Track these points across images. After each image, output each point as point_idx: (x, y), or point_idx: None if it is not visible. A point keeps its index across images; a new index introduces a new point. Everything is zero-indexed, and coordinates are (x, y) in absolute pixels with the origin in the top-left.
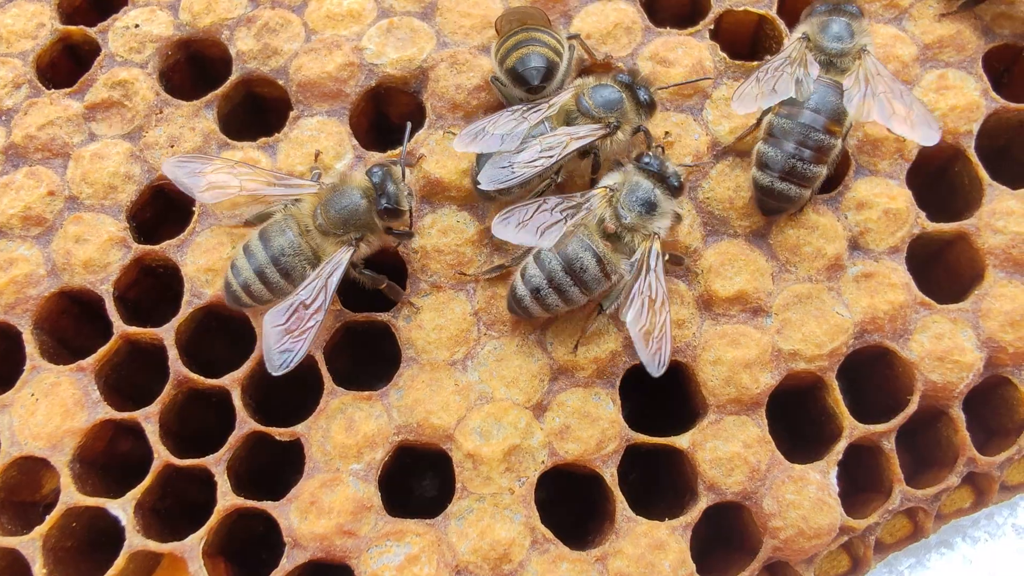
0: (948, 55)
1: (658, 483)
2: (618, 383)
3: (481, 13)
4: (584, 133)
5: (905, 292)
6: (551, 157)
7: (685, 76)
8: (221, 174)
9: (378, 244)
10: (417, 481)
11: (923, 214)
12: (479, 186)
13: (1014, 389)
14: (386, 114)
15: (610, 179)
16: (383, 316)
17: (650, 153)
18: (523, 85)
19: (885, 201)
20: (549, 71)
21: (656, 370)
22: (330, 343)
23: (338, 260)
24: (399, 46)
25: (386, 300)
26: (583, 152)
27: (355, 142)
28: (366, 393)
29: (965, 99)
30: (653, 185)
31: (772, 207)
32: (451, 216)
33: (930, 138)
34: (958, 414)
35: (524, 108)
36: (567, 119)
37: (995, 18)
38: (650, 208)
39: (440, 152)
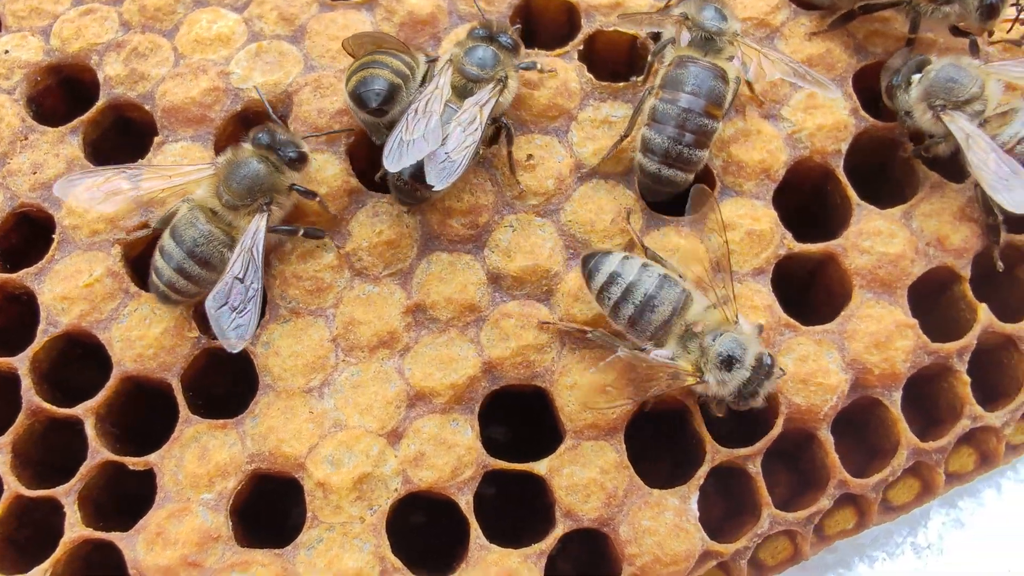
0: (819, 72)
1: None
2: (477, 408)
3: None
4: (486, 96)
5: (768, 314)
6: (476, 130)
7: (550, 98)
8: (115, 181)
9: (289, 204)
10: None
11: (789, 235)
12: (434, 189)
13: (886, 411)
14: None
15: (746, 324)
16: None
17: (773, 360)
18: (362, 108)
19: (749, 222)
20: (390, 95)
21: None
22: (188, 370)
23: (256, 228)
24: (266, 70)
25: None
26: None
27: None
28: (221, 421)
29: (834, 118)
30: (749, 374)
31: (657, 192)
32: (312, 241)
33: (833, 92)
34: (826, 436)
35: (418, 106)
36: (462, 93)
37: (868, 36)
38: (726, 367)
39: (303, 180)
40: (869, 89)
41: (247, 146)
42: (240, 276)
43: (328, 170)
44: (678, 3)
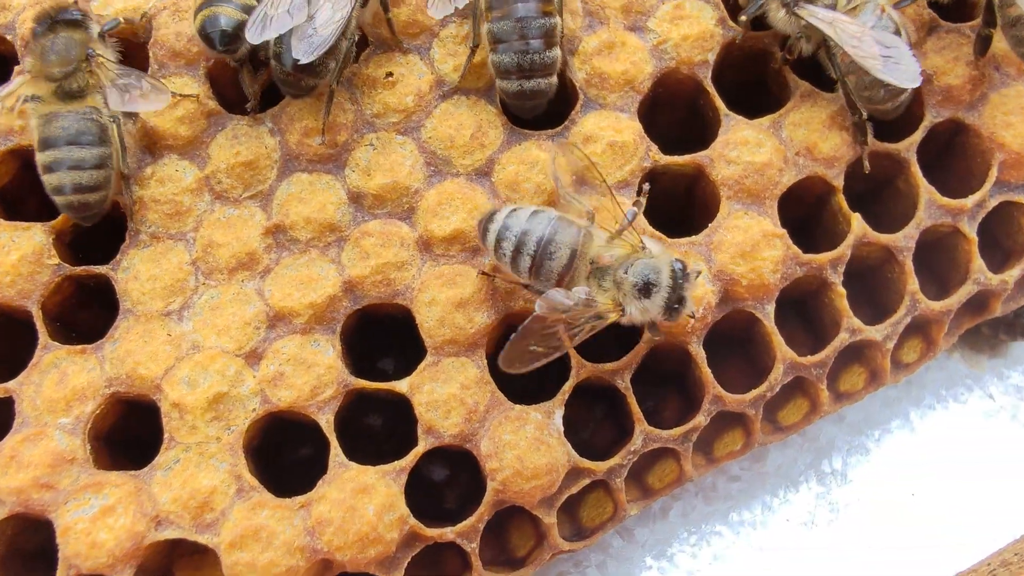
0: None
1: None
2: (339, 329)
3: None
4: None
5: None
6: (345, 6)
7: (410, 15)
8: None
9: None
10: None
11: (655, 147)
12: (299, 63)
13: (761, 325)
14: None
15: (652, 244)
16: (101, 268)
17: (692, 269)
18: (210, 47)
19: (611, 134)
20: (235, 33)
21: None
22: (49, 297)
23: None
24: None
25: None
26: None
27: None
28: (80, 347)
29: (700, 28)
30: (666, 286)
31: (531, 107)
32: (171, 165)
33: None
34: (697, 351)
35: None
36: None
37: None
38: (644, 293)
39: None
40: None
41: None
42: None
43: (185, 92)
44: None
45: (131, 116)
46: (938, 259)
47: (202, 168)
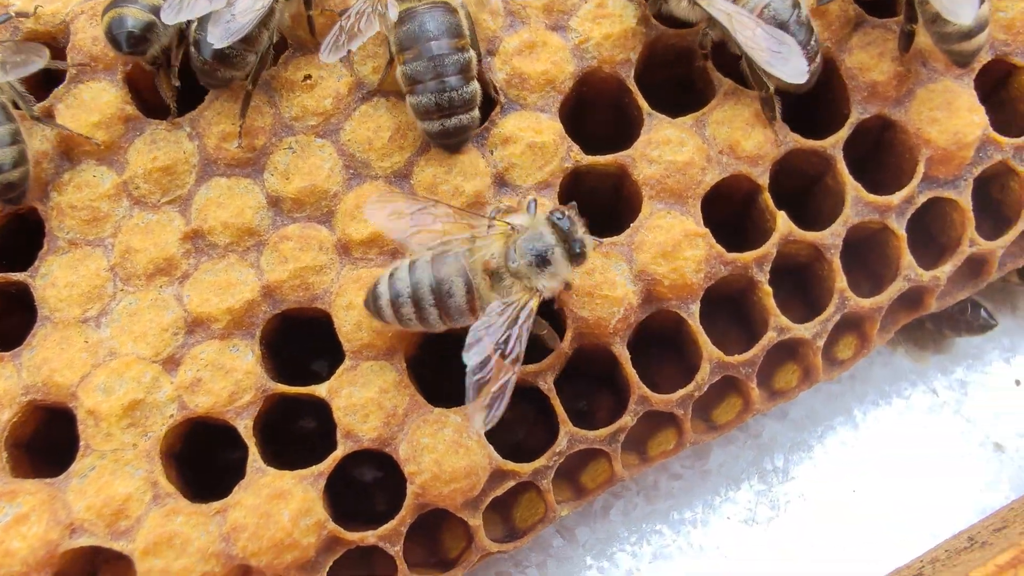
0: None
1: None
2: (258, 333)
3: None
4: None
5: None
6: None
7: (331, 16)
8: None
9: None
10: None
11: (576, 147)
12: (213, 46)
13: (687, 325)
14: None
15: (517, 219)
16: (19, 276)
17: (565, 211)
18: (117, 50)
19: (531, 135)
20: (142, 35)
21: (482, 426)
22: None
23: None
24: (46, 0)
25: None
26: None
27: None
28: None
29: (622, 27)
30: (556, 242)
31: (454, 143)
32: (89, 171)
33: None
34: (621, 351)
35: None
36: None
37: None
38: (542, 263)
39: (77, 107)
40: None
41: None
42: None
43: (103, 97)
44: None
45: (47, 121)
46: (872, 255)
47: (120, 173)
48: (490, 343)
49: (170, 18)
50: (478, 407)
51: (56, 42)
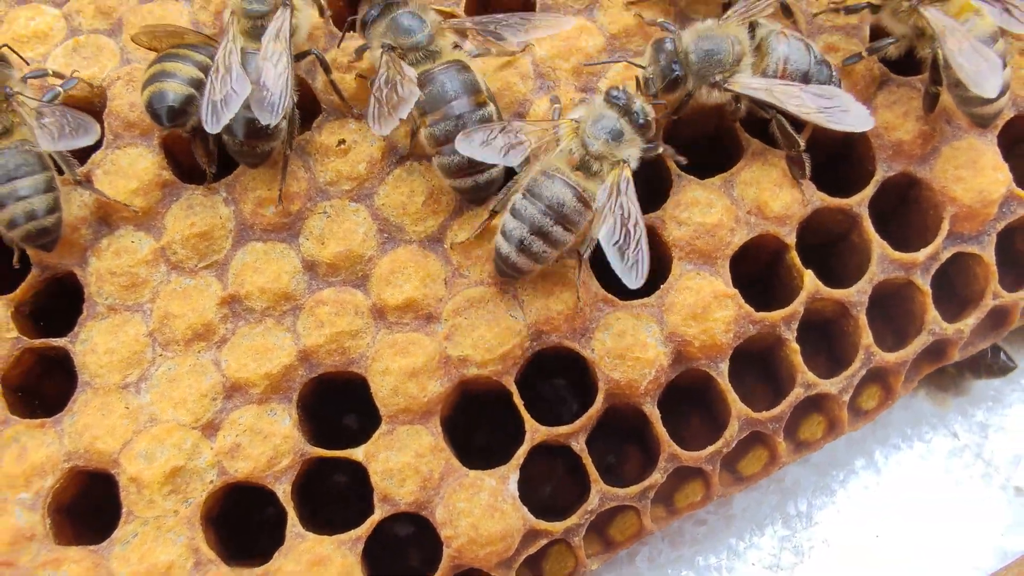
0: (636, 44)
1: None
2: (295, 397)
3: None
4: (278, 25)
5: (583, 289)
6: (282, 58)
7: (361, 82)
8: None
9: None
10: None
11: None
12: (269, 126)
13: (714, 382)
14: None
15: (575, 112)
16: (59, 341)
17: (619, 88)
18: (158, 124)
19: None
20: (182, 108)
21: (634, 282)
22: (9, 370)
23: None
24: (83, 65)
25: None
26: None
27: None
28: (39, 421)
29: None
30: (618, 116)
31: (484, 196)
32: (127, 237)
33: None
34: (651, 410)
35: (217, 64)
36: (255, 34)
37: (690, 3)
38: (616, 136)
39: (115, 173)
40: None
41: None
42: None
43: (140, 164)
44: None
45: (87, 186)
46: (895, 307)
47: (158, 239)
48: (612, 216)
49: (214, 127)
50: (624, 269)
51: (93, 106)
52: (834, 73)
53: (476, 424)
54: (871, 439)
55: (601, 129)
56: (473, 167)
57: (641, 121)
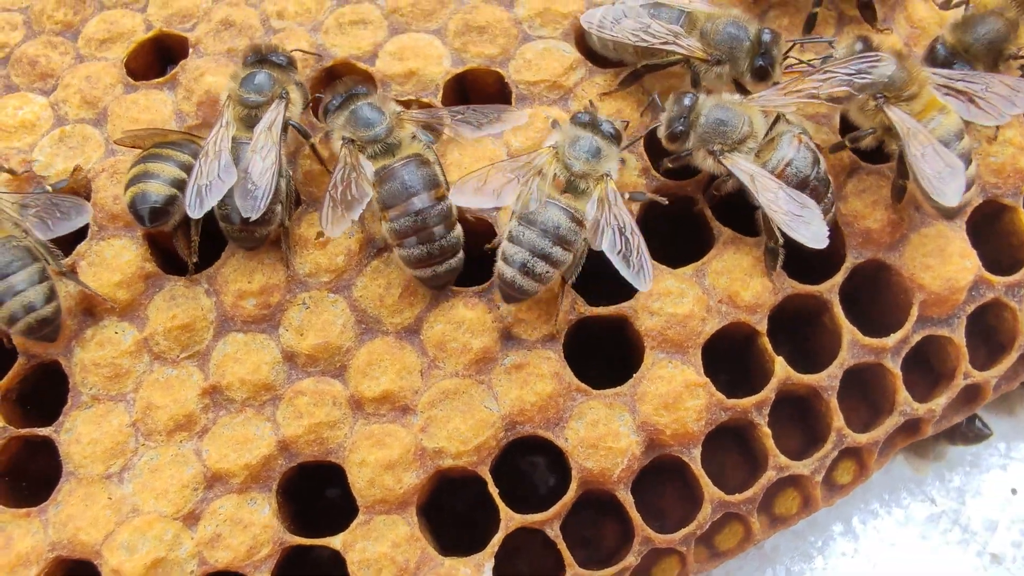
0: None
1: None
2: (275, 486)
3: (149, 119)
4: (272, 116)
5: (555, 381)
6: (271, 151)
7: None
8: None
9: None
10: None
11: (581, 299)
12: (249, 221)
13: (687, 468)
14: None
15: (550, 140)
16: (45, 431)
17: (584, 110)
18: (141, 224)
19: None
20: (164, 209)
21: (644, 285)
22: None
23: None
24: (69, 155)
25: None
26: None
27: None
28: (24, 510)
29: (622, 179)
30: (591, 134)
31: (444, 283)
32: (111, 327)
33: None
34: (625, 496)
35: (208, 148)
36: (249, 123)
37: (663, 93)
38: (595, 153)
39: (99, 265)
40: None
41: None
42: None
43: (124, 256)
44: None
45: (71, 276)
46: (869, 381)
47: (141, 330)
48: (608, 228)
49: (196, 212)
50: (632, 275)
51: (78, 196)
52: (831, 194)
53: (456, 492)
54: (849, 504)
55: (579, 149)
56: (432, 258)
57: (611, 131)
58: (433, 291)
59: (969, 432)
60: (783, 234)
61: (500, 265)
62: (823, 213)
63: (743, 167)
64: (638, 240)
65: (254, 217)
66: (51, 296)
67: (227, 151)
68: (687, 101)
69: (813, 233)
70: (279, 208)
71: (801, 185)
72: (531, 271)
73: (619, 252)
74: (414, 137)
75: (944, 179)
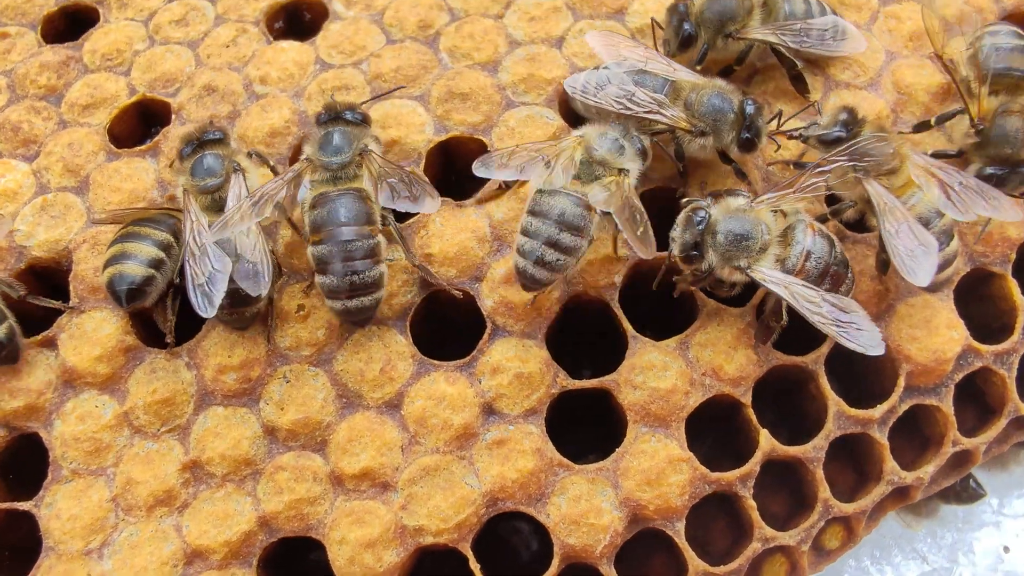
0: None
1: None
2: (255, 561)
3: (131, 188)
4: (237, 192)
5: (536, 457)
6: (249, 224)
7: None
8: None
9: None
10: None
11: (563, 372)
12: (239, 302)
13: (672, 541)
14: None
15: (578, 132)
16: (25, 505)
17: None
18: (117, 304)
19: (518, 364)
20: (140, 289)
21: (649, 253)
22: None
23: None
24: (51, 225)
25: None
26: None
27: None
28: None
29: (605, 251)
30: (620, 136)
31: (359, 320)
32: (91, 400)
33: (432, 207)
34: (608, 570)
35: (190, 248)
36: (216, 208)
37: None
38: (619, 149)
39: (79, 338)
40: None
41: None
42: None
43: (104, 329)
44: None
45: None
46: (856, 448)
47: (121, 403)
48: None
49: (208, 311)
50: (634, 237)
51: (60, 267)
52: (850, 274)
53: (438, 560)
54: (839, 562)
55: (606, 139)
56: (348, 292)
57: (639, 146)
58: (415, 362)
59: (963, 492)
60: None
61: (516, 258)
62: (845, 292)
63: (776, 279)
64: (646, 220)
65: (264, 292)
66: (3, 318)
67: (211, 243)
68: (699, 223)
69: (869, 339)
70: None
71: (823, 273)
72: (544, 260)
73: (625, 219)
74: (368, 175)
75: (916, 258)
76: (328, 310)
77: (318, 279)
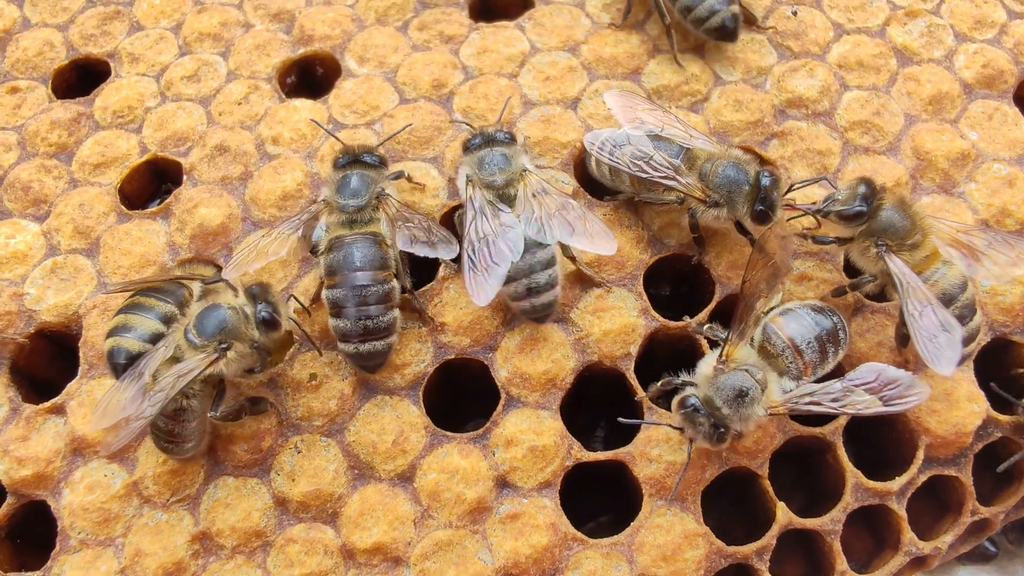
0: (608, 273)
1: None
2: None
3: (142, 251)
4: (191, 367)
5: (550, 532)
6: (157, 399)
7: None
8: None
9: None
10: None
11: (577, 444)
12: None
13: None
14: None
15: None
16: None
17: (469, 137)
18: (114, 376)
19: (531, 438)
20: (130, 363)
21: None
22: None
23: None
24: (61, 288)
25: None
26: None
27: (12, 394)
28: None
29: (622, 322)
30: (489, 148)
31: (370, 365)
32: (100, 470)
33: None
34: None
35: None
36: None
37: (663, 228)
38: (503, 162)
39: (89, 405)
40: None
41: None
42: None
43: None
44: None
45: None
46: (873, 515)
47: (131, 472)
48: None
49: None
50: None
51: (69, 331)
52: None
53: None
54: None
55: (489, 164)
56: (360, 336)
57: (506, 137)
58: (428, 433)
59: (975, 551)
60: None
61: (512, 305)
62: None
63: (795, 398)
64: (579, 209)
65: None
66: None
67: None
68: (695, 408)
69: (908, 399)
70: (195, 429)
71: (821, 349)
72: (535, 290)
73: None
74: (385, 219)
75: (940, 346)
76: (338, 380)
77: (331, 322)
